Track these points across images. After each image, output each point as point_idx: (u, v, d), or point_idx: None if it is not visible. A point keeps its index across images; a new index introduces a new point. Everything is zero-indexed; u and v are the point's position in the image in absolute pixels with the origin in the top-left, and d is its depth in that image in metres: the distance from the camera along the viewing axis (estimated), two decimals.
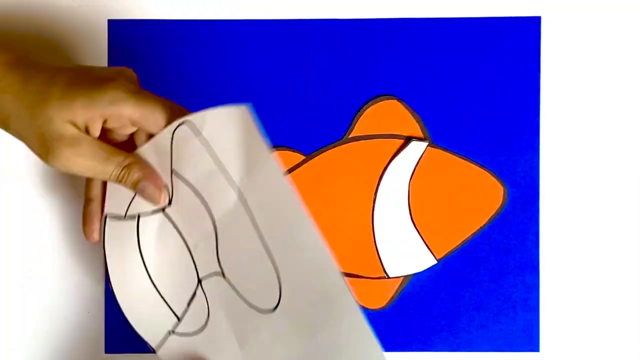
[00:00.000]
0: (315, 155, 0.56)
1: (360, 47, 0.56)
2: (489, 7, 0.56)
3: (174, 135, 0.45)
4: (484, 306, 0.56)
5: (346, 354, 0.46)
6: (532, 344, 0.55)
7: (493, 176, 0.56)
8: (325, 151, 0.56)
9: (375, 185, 0.55)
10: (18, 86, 0.43)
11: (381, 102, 0.56)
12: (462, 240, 0.55)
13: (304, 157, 0.56)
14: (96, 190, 0.48)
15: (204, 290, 0.48)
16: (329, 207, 0.56)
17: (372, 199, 0.55)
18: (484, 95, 0.56)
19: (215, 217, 0.47)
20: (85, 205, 0.48)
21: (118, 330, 0.55)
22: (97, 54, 0.56)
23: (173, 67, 0.56)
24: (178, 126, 0.44)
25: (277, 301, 0.47)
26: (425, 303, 0.56)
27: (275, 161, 0.44)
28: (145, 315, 0.49)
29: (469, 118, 0.56)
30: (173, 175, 0.46)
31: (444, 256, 0.56)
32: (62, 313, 0.55)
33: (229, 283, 0.47)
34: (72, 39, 0.55)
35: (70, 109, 0.42)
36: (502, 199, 0.56)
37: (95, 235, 0.48)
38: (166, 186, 0.46)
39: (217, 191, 0.46)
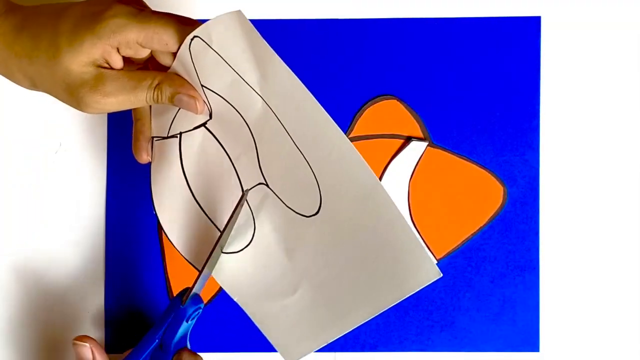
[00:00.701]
0: None
1: (360, 47, 0.56)
2: (489, 7, 0.56)
3: (191, 50, 0.44)
4: (484, 306, 0.56)
5: (390, 248, 0.45)
6: (532, 344, 0.55)
7: (493, 176, 0.56)
8: None
9: None
10: (29, 48, 0.43)
11: (381, 102, 0.56)
12: (462, 240, 0.55)
13: None
14: (141, 109, 0.48)
15: (249, 202, 0.47)
16: None
17: None
18: (484, 95, 0.56)
19: (250, 126, 0.46)
20: (134, 125, 0.49)
21: (118, 330, 0.55)
22: None
23: None
24: (191, 41, 0.44)
25: (318, 205, 0.46)
26: (424, 303, 0.56)
27: (281, 61, 0.44)
28: (186, 229, 0.49)
29: (469, 118, 0.56)
30: (204, 89, 0.46)
31: (444, 256, 0.56)
32: (62, 312, 0.55)
33: (273, 192, 0.47)
34: None
35: (82, 52, 0.42)
36: (502, 199, 0.56)
37: (144, 155, 0.49)
38: (201, 97, 0.46)
39: (245, 99, 0.46)
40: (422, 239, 0.55)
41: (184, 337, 0.47)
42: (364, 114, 0.56)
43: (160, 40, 0.43)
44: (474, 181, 0.56)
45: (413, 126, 0.56)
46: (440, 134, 0.56)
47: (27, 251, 0.56)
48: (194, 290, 0.46)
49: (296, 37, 0.56)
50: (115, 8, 0.43)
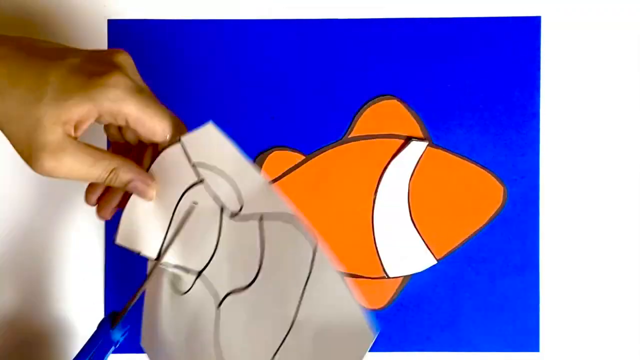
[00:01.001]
0: (315, 155, 0.56)
1: (360, 47, 0.56)
2: (489, 7, 0.56)
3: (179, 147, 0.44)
4: (484, 306, 0.56)
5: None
6: (532, 344, 0.55)
7: (493, 176, 0.56)
8: (325, 151, 0.56)
9: (375, 185, 0.55)
10: (6, 83, 0.40)
11: (381, 102, 0.56)
12: (462, 240, 0.55)
13: (304, 157, 0.56)
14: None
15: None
16: (329, 207, 0.56)
17: (372, 199, 0.55)
18: (484, 95, 0.56)
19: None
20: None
21: None
22: None
23: (173, 67, 0.56)
24: (176, 142, 0.44)
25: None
26: (425, 303, 0.56)
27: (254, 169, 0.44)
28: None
29: (469, 118, 0.56)
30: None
31: (444, 256, 0.56)
32: (62, 312, 0.56)
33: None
34: (72, 39, 0.55)
35: (63, 108, 0.40)
36: (502, 199, 0.56)
37: (93, 197, 0.46)
38: (155, 182, 0.45)
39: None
40: (422, 239, 0.55)
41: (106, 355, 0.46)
42: (364, 114, 0.56)
43: (151, 129, 0.43)
44: (474, 181, 0.56)
45: (413, 126, 0.56)
46: (440, 134, 0.56)
47: (26, 251, 0.56)
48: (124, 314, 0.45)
49: (296, 37, 0.56)
50: (117, 77, 0.41)
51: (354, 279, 0.56)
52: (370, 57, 0.56)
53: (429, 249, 0.55)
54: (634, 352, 0.56)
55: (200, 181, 0.45)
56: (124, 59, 0.43)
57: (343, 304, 0.41)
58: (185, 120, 0.56)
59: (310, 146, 0.56)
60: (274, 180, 0.55)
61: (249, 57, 0.56)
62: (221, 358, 0.45)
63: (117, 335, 0.45)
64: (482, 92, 0.56)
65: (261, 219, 0.44)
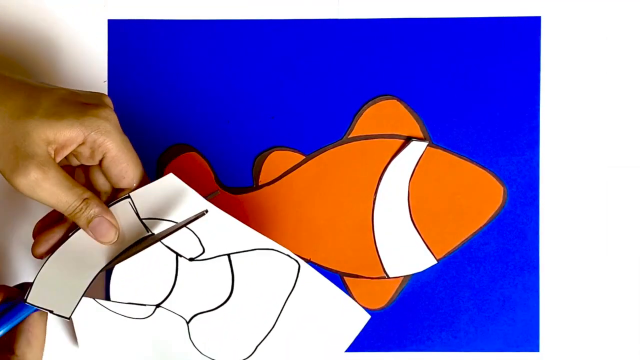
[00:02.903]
0: (315, 155, 0.56)
1: (360, 47, 0.56)
2: (489, 7, 0.56)
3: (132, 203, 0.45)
4: (484, 306, 0.56)
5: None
6: (532, 344, 0.55)
7: (493, 176, 0.56)
8: (325, 151, 0.56)
9: (375, 185, 0.55)
10: None
11: (381, 102, 0.56)
12: (462, 240, 0.56)
13: (304, 157, 0.56)
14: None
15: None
16: (329, 207, 0.56)
17: (372, 199, 0.55)
18: (483, 95, 0.56)
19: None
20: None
21: None
22: (97, 54, 0.56)
23: (173, 67, 0.56)
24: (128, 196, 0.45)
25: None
26: (425, 303, 0.56)
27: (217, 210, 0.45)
28: None
29: (469, 118, 0.56)
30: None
31: (444, 256, 0.56)
32: None
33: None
34: (72, 39, 0.56)
35: (53, 127, 0.40)
36: (502, 199, 0.56)
37: (41, 248, 0.45)
38: (119, 228, 0.45)
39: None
40: (422, 239, 0.55)
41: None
42: (364, 114, 0.56)
43: (123, 171, 0.43)
44: (474, 181, 0.56)
45: (413, 126, 0.56)
46: (440, 134, 0.56)
47: (26, 251, 0.56)
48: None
49: (296, 37, 0.56)
50: (109, 111, 0.42)
51: (354, 278, 0.56)
52: (370, 57, 0.56)
53: (429, 248, 0.55)
54: (634, 352, 0.56)
55: (149, 235, 0.46)
56: (110, 102, 0.45)
57: (333, 298, 0.47)
58: (185, 120, 0.56)
59: (310, 146, 0.56)
60: (274, 180, 0.55)
61: (249, 57, 0.56)
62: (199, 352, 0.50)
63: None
64: (482, 92, 0.56)
65: (229, 256, 0.47)
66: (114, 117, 0.43)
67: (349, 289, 0.55)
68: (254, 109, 0.56)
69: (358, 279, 0.56)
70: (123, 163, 0.43)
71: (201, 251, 0.47)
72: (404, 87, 0.56)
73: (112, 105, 0.45)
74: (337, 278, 0.56)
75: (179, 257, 0.47)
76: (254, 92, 0.56)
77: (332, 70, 0.56)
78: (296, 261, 0.47)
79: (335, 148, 0.56)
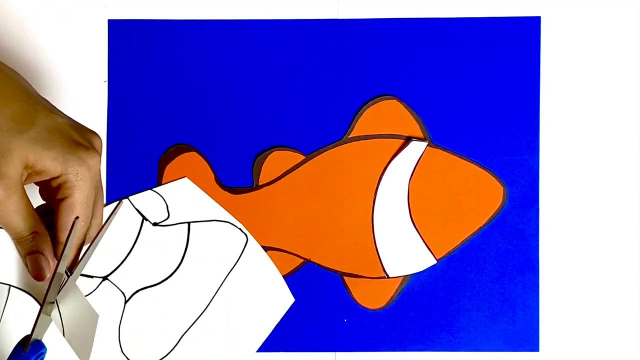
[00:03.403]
0: (315, 155, 0.56)
1: (360, 47, 0.56)
2: (489, 7, 0.56)
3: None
4: (484, 306, 0.56)
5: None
6: (532, 344, 0.55)
7: (493, 176, 0.56)
8: (325, 151, 0.56)
9: (375, 185, 0.55)
10: None
11: (381, 102, 0.56)
12: (461, 240, 0.56)
13: (304, 157, 0.56)
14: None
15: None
16: (329, 207, 0.56)
17: (372, 199, 0.55)
18: (483, 95, 0.56)
19: None
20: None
21: None
22: (97, 54, 0.56)
23: (173, 67, 0.56)
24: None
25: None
26: (425, 303, 0.56)
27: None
28: None
29: (469, 118, 0.56)
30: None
31: (444, 256, 0.56)
32: None
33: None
34: (72, 39, 0.56)
35: (38, 154, 0.40)
36: (501, 199, 0.56)
37: (46, 272, 0.45)
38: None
39: None
40: (422, 239, 0.55)
41: None
42: (364, 114, 0.56)
43: (68, 225, 0.42)
44: (474, 181, 0.56)
45: (413, 126, 0.56)
46: (440, 134, 0.56)
47: None
48: (34, 337, 0.44)
49: (296, 37, 0.56)
50: (94, 159, 0.42)
51: (353, 278, 0.56)
52: (370, 57, 0.56)
53: (428, 248, 0.55)
54: (634, 352, 0.56)
55: (122, 200, 0.48)
56: (100, 145, 0.44)
57: (267, 278, 0.50)
58: (185, 120, 0.56)
59: (310, 146, 0.56)
60: (274, 180, 0.56)
61: (249, 57, 0.56)
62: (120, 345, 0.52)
63: (32, 358, 0.45)
64: (482, 92, 0.56)
65: (189, 224, 0.49)
66: (96, 166, 0.42)
67: (349, 289, 0.56)
68: (254, 109, 0.56)
69: (358, 279, 0.56)
70: (75, 215, 0.42)
71: (166, 216, 0.49)
72: (404, 87, 0.56)
73: (101, 150, 0.44)
74: (337, 278, 0.56)
75: (144, 222, 0.50)
76: (254, 92, 0.56)
77: (332, 70, 0.56)
78: (245, 235, 0.49)
79: (335, 148, 0.56)
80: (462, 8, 0.56)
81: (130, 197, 0.54)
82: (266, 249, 0.55)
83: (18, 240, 0.43)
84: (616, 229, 0.56)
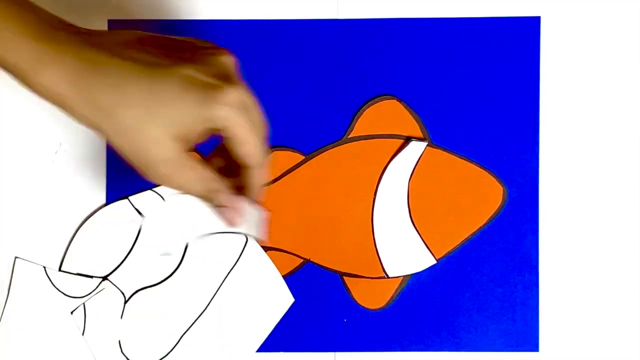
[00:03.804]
0: (315, 155, 0.56)
1: (360, 47, 0.56)
2: (489, 7, 0.56)
3: None
4: (484, 306, 0.56)
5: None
6: (532, 344, 0.55)
7: (493, 176, 0.56)
8: (325, 151, 0.56)
9: (375, 185, 0.55)
10: (115, 102, 0.38)
11: (381, 102, 0.56)
12: (461, 240, 0.55)
13: (303, 157, 0.56)
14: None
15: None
16: (328, 207, 0.56)
17: (372, 199, 0.55)
18: (483, 95, 0.56)
19: None
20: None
21: None
22: None
23: None
24: None
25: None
26: (424, 303, 0.56)
27: None
28: None
29: (469, 118, 0.56)
30: None
31: (444, 256, 0.56)
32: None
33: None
34: None
35: (180, 126, 0.38)
36: (501, 199, 0.56)
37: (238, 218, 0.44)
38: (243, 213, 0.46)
39: None
40: (422, 238, 0.55)
41: None
42: (363, 114, 0.56)
43: (249, 153, 0.41)
44: (474, 181, 0.56)
45: (412, 126, 0.56)
46: (439, 134, 0.56)
47: (26, 251, 0.56)
48: None
49: (296, 37, 0.56)
50: (232, 94, 0.39)
51: (353, 278, 0.56)
52: (370, 57, 0.56)
53: (428, 248, 0.55)
54: (634, 352, 0.56)
55: (123, 198, 0.48)
56: (231, 63, 0.42)
57: (266, 278, 0.49)
58: None
59: (310, 146, 0.56)
60: (274, 181, 0.56)
61: (249, 58, 0.56)
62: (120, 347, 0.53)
63: None
64: (482, 92, 0.56)
65: None
66: (237, 98, 0.39)
67: (349, 289, 0.56)
68: None
69: (358, 279, 0.56)
70: (247, 146, 0.41)
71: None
72: (403, 87, 0.56)
73: (233, 69, 0.42)
74: (337, 278, 0.56)
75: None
76: (254, 92, 0.56)
77: (332, 70, 0.56)
78: (245, 235, 0.48)
79: (335, 148, 0.56)
80: (462, 8, 0.56)
81: (130, 197, 0.54)
82: (266, 249, 0.55)
83: (202, 200, 0.43)
84: (616, 229, 0.56)
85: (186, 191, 0.42)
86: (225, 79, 0.40)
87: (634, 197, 0.56)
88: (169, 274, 0.52)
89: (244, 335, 0.53)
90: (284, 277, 0.55)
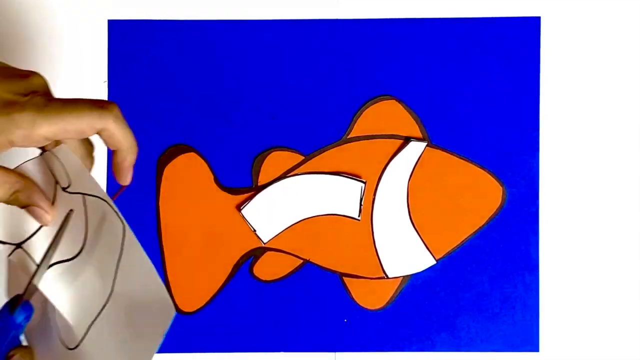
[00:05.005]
0: (315, 156, 0.56)
1: (360, 47, 0.56)
2: (489, 7, 0.56)
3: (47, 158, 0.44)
4: (484, 306, 0.56)
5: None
6: (532, 344, 0.55)
7: (492, 176, 0.56)
8: (324, 151, 0.56)
9: (375, 186, 0.55)
10: None
11: (380, 102, 0.56)
12: (461, 240, 0.56)
13: (303, 157, 0.56)
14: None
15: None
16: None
17: (372, 199, 0.56)
18: (483, 95, 0.56)
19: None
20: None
21: None
22: (97, 54, 0.56)
23: (173, 67, 0.56)
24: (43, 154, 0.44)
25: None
26: (424, 303, 0.56)
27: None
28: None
29: (469, 118, 0.56)
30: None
31: (443, 256, 0.56)
32: None
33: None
34: (72, 39, 0.56)
35: None
36: (501, 199, 0.56)
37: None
38: (53, 208, 0.45)
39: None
40: (421, 239, 0.55)
41: (15, 338, 0.46)
42: (363, 114, 0.56)
43: (77, 130, 0.40)
44: (473, 181, 0.56)
45: (412, 126, 0.56)
46: (439, 134, 0.56)
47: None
48: (25, 297, 0.44)
49: (296, 37, 0.56)
50: (27, 101, 0.39)
51: (353, 279, 0.56)
52: (370, 57, 0.56)
53: (428, 249, 0.55)
54: (634, 352, 0.56)
55: (41, 153, 0.45)
56: (38, 82, 0.42)
57: (150, 282, 0.43)
58: (185, 120, 0.56)
59: (310, 146, 0.56)
60: (274, 181, 0.56)
61: (249, 57, 0.56)
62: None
63: (19, 319, 0.45)
64: (482, 92, 0.56)
65: (84, 196, 0.45)
66: (31, 104, 0.39)
67: (349, 289, 0.56)
68: (254, 109, 0.56)
69: (357, 279, 0.56)
70: (69, 130, 0.40)
71: (68, 183, 0.45)
72: (403, 87, 0.56)
73: (43, 88, 0.42)
74: (336, 278, 0.56)
75: (57, 184, 0.46)
76: (254, 92, 0.56)
77: (332, 70, 0.56)
78: (122, 222, 0.43)
79: (335, 148, 0.56)
80: (462, 8, 0.56)
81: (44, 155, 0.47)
82: (266, 249, 0.55)
83: (8, 203, 0.43)
84: (616, 228, 0.56)
85: None
86: (23, 95, 0.40)
87: (634, 197, 0.56)
88: (79, 249, 0.46)
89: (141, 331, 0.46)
90: (284, 277, 0.55)
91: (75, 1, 0.56)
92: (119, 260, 0.44)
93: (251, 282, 0.56)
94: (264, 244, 0.56)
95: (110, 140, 0.43)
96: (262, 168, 0.56)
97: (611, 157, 0.56)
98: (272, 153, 0.56)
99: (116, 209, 0.43)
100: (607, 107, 0.56)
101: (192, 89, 0.56)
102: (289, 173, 0.56)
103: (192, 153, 0.56)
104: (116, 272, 0.45)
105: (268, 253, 0.55)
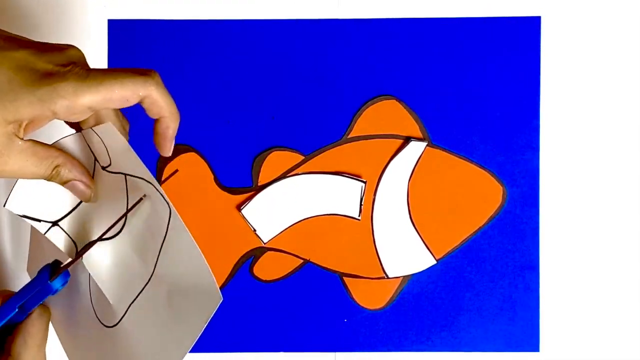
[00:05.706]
0: (315, 155, 0.56)
1: (360, 47, 0.56)
2: (489, 7, 0.56)
3: (88, 136, 0.43)
4: (484, 306, 0.56)
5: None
6: (532, 344, 0.55)
7: (492, 176, 0.56)
8: (324, 151, 0.56)
9: (375, 186, 0.55)
10: None
11: (380, 102, 0.56)
12: (461, 240, 0.56)
13: (303, 157, 0.56)
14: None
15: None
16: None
17: (372, 199, 0.56)
18: (483, 95, 0.56)
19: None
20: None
21: None
22: (97, 54, 0.56)
23: (173, 67, 0.56)
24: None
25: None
26: (424, 303, 0.56)
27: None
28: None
29: (469, 118, 0.56)
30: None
31: (444, 256, 0.56)
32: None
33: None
34: (72, 39, 0.56)
35: (10, 109, 0.37)
36: (501, 199, 0.56)
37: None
38: (95, 184, 0.45)
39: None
40: (422, 239, 0.55)
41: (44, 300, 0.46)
42: (363, 114, 0.56)
43: (121, 98, 0.40)
44: (474, 181, 0.56)
45: (412, 126, 0.56)
46: (439, 134, 0.56)
47: (25, 251, 0.56)
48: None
49: (296, 37, 0.56)
50: (67, 74, 0.38)
51: (353, 278, 0.56)
52: (370, 57, 0.56)
53: (428, 249, 0.55)
54: (634, 352, 0.56)
55: (78, 131, 0.44)
56: (76, 54, 0.42)
57: (196, 267, 0.42)
58: (185, 120, 0.56)
59: (310, 146, 0.56)
60: (274, 181, 0.56)
61: (249, 57, 0.56)
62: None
63: (57, 285, 0.44)
64: (482, 92, 0.56)
65: (126, 176, 0.44)
66: (72, 74, 0.39)
67: (349, 289, 0.56)
68: (254, 109, 0.56)
69: (357, 279, 0.56)
70: (113, 98, 0.40)
71: (108, 162, 0.44)
72: (403, 87, 0.56)
73: (76, 59, 0.41)
74: (336, 278, 0.56)
75: (96, 162, 0.45)
76: (254, 92, 0.56)
77: (332, 70, 0.56)
78: (168, 205, 0.42)
79: (335, 148, 0.56)
80: (462, 8, 0.56)
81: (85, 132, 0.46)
82: (266, 249, 0.55)
83: (47, 180, 0.42)
84: (616, 228, 0.56)
85: (30, 176, 0.41)
86: (63, 66, 0.39)
87: (634, 197, 0.56)
88: (120, 228, 0.45)
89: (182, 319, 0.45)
90: (284, 277, 0.55)
91: (75, 1, 0.56)
92: (162, 244, 0.44)
93: (251, 282, 0.56)
94: (264, 244, 0.56)
95: (153, 108, 0.42)
96: (262, 168, 0.56)
97: (611, 157, 0.56)
98: (272, 153, 0.56)
99: (162, 192, 0.42)
100: (608, 107, 0.56)
101: (192, 89, 0.56)
102: (289, 173, 0.56)
103: (192, 153, 0.56)
104: (159, 255, 0.44)
105: (268, 253, 0.55)
